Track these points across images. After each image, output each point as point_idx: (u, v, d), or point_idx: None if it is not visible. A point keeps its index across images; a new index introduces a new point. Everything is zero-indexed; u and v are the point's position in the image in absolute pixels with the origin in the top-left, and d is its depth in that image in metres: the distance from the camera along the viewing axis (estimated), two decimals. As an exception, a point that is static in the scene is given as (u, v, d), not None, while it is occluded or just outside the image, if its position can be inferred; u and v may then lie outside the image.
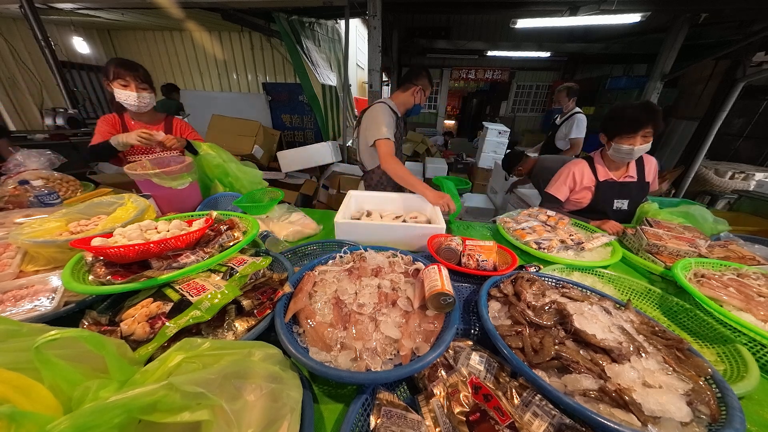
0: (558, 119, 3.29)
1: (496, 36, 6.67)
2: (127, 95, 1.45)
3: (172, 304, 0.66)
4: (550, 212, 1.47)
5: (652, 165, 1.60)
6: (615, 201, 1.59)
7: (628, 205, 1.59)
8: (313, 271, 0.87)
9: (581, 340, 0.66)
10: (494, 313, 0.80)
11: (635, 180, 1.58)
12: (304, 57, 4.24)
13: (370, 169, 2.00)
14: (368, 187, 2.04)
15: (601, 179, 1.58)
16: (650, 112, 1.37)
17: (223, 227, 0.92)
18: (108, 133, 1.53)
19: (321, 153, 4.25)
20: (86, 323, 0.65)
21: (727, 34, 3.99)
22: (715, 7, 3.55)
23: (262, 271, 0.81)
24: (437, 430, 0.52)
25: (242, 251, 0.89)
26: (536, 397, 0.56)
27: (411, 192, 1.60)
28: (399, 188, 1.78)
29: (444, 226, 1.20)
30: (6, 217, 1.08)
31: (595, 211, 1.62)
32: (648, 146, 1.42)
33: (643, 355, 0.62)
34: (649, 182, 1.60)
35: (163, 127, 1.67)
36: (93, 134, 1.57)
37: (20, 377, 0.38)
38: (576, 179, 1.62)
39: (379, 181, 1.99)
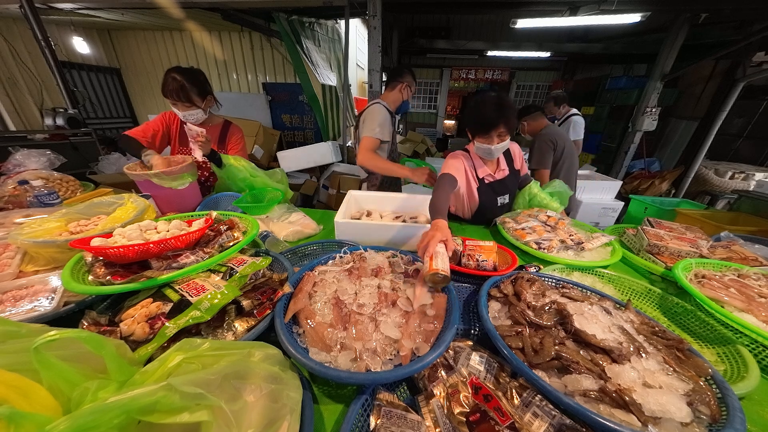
0: (557, 122, 3.30)
1: (496, 36, 6.66)
2: (176, 111, 1.54)
3: (172, 304, 0.66)
4: (549, 212, 1.47)
5: (517, 152, 1.66)
6: (498, 198, 1.62)
7: (509, 197, 1.67)
8: (313, 271, 0.87)
9: (581, 340, 0.66)
10: (494, 313, 0.80)
11: (508, 173, 1.62)
12: (304, 57, 4.23)
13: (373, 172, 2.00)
14: (371, 189, 2.04)
15: (480, 176, 1.56)
16: (500, 113, 1.34)
17: (223, 227, 0.92)
18: (152, 131, 1.58)
19: (321, 153, 4.25)
20: (86, 323, 0.64)
21: (727, 34, 3.98)
22: (715, 7, 3.54)
23: (262, 271, 0.81)
24: (437, 430, 0.52)
25: (242, 251, 0.89)
26: (536, 398, 0.55)
27: (411, 192, 1.61)
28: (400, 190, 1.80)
29: None
30: (6, 217, 1.08)
31: (483, 212, 1.62)
32: (506, 144, 1.44)
33: (644, 355, 0.62)
34: (519, 170, 1.66)
35: (219, 132, 1.73)
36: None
37: (19, 378, 0.38)
38: (466, 168, 1.55)
39: (382, 182, 1.98)
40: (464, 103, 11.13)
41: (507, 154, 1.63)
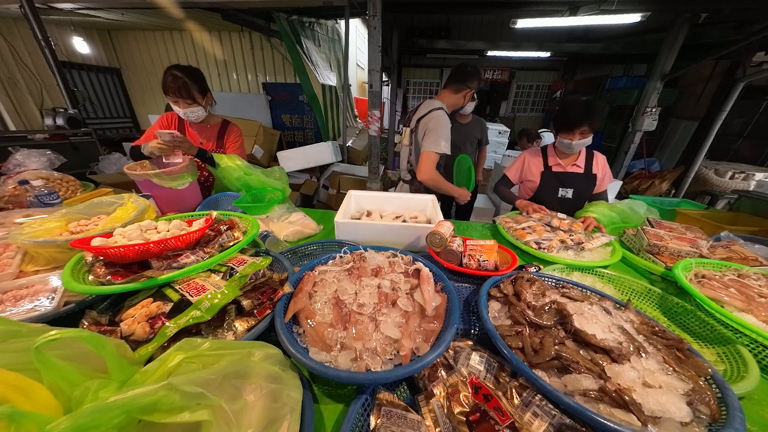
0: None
1: (496, 36, 6.66)
2: (177, 110, 1.53)
3: (172, 304, 0.66)
4: (561, 215, 1.47)
5: (599, 159, 1.74)
6: (560, 189, 1.72)
7: (573, 194, 1.72)
8: (313, 271, 0.87)
9: (581, 340, 0.66)
10: (494, 313, 0.80)
11: (582, 171, 1.71)
12: (304, 57, 4.23)
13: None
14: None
15: (549, 165, 1.72)
16: (586, 114, 1.50)
17: (223, 227, 0.92)
18: (154, 135, 1.54)
19: (321, 153, 4.25)
20: (86, 323, 0.65)
21: (727, 34, 3.97)
22: (715, 7, 3.54)
23: (262, 271, 0.81)
24: (437, 430, 0.52)
25: (242, 251, 0.89)
26: (536, 397, 0.56)
27: (411, 192, 1.60)
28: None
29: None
30: (6, 217, 1.08)
31: (541, 198, 1.73)
32: (587, 141, 1.57)
33: (643, 355, 0.62)
34: (596, 174, 1.72)
35: (217, 132, 1.72)
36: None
37: (20, 377, 0.38)
38: (525, 164, 1.81)
39: (426, 190, 1.90)
40: (464, 103, 11.11)
41: (589, 156, 1.72)
